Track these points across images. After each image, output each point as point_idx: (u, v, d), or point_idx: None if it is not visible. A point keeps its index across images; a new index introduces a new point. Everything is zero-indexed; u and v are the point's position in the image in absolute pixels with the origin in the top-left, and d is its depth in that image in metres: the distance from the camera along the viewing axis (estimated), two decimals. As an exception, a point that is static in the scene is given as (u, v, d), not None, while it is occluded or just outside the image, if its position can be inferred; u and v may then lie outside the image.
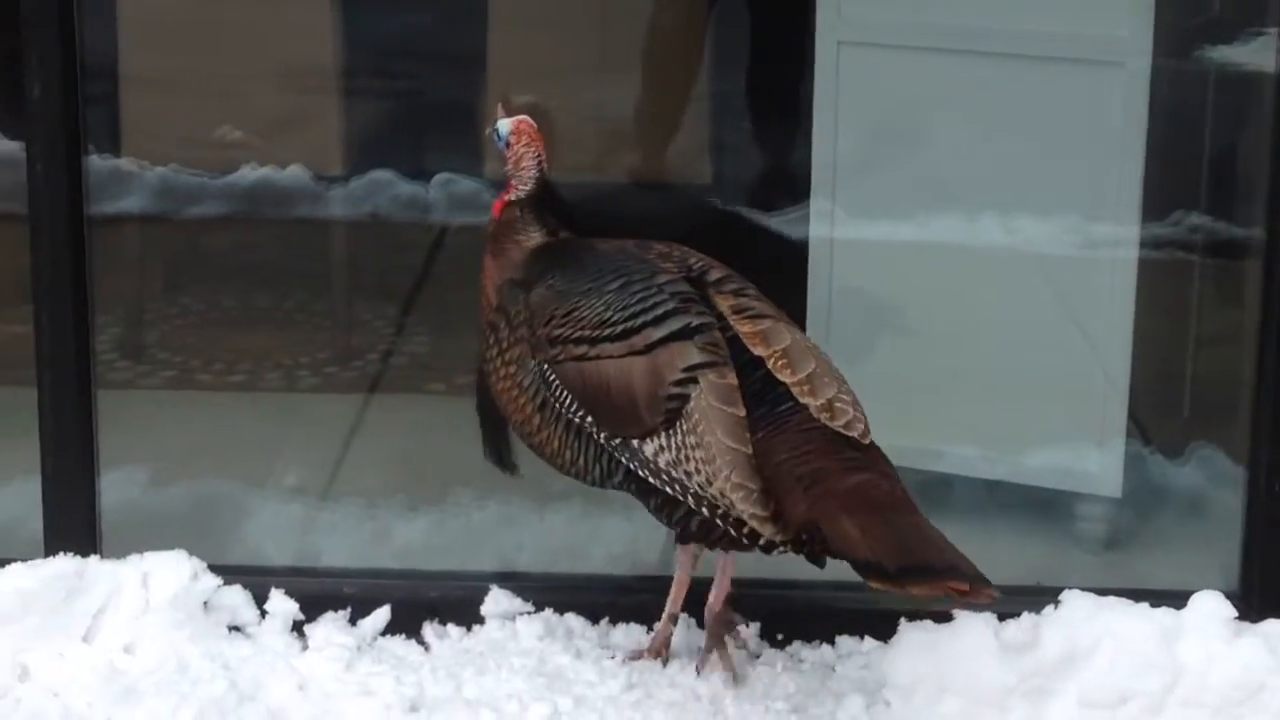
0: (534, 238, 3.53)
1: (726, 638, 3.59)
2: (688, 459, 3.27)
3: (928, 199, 4.05)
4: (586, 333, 3.35)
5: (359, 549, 4.02)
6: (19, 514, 3.93)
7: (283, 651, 3.64)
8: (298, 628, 3.71)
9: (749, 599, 3.74)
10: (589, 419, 3.35)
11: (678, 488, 3.29)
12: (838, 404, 3.27)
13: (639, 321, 3.33)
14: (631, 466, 3.33)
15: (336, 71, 5.49)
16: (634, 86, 5.12)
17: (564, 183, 5.14)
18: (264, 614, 3.71)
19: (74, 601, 3.62)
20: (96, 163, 4.50)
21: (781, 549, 3.26)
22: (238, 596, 3.71)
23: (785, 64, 4.73)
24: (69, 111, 3.67)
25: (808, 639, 3.72)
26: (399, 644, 3.70)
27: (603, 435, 3.35)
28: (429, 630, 3.72)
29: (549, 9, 5.32)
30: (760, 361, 3.30)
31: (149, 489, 4.11)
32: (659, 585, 3.77)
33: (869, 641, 3.69)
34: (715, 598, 3.55)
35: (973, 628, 3.44)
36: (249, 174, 5.33)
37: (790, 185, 4.82)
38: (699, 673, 3.55)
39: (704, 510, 3.28)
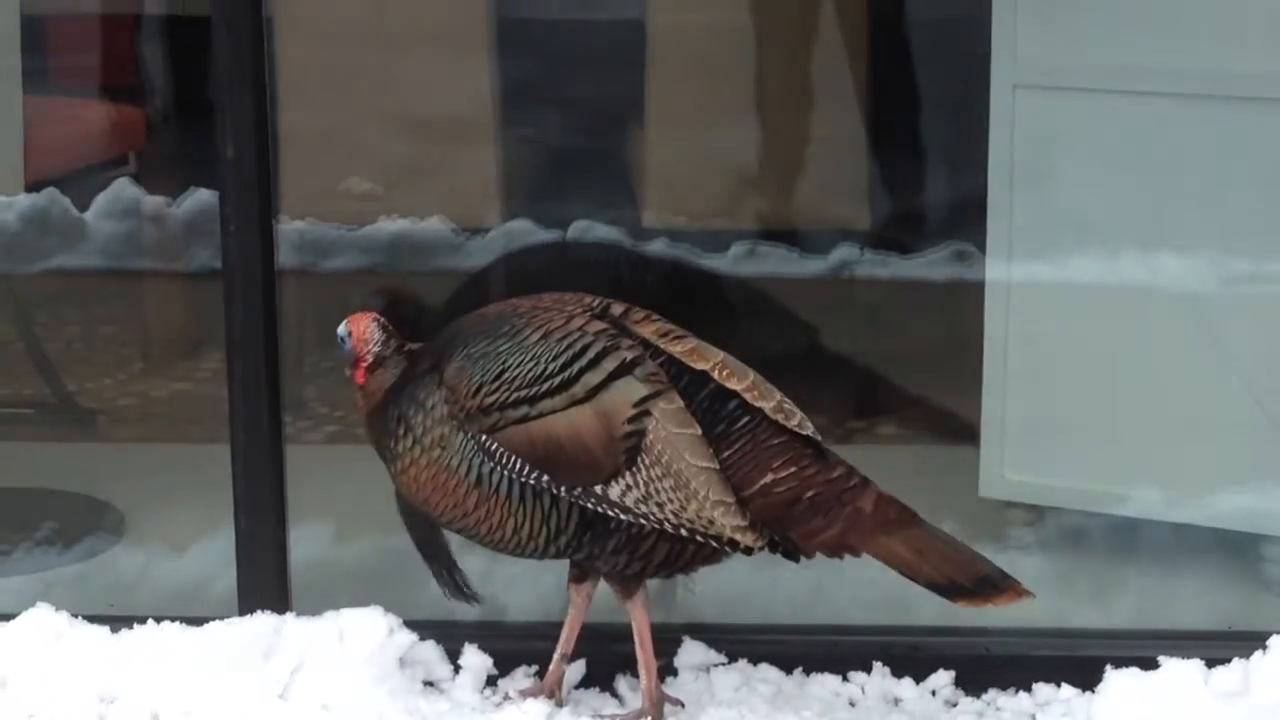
0: (397, 371, 3.47)
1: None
2: (657, 491, 3.30)
3: (1105, 243, 4.03)
4: (523, 393, 3.33)
5: (540, 602, 4.00)
6: (209, 572, 3.95)
7: (479, 706, 3.64)
8: (491, 682, 3.71)
9: (940, 647, 3.74)
10: (545, 478, 3.34)
11: (647, 522, 3.31)
12: (786, 405, 3.35)
13: (575, 369, 3.32)
14: (600, 510, 3.33)
15: (475, 122, 5.52)
16: (790, 130, 5.13)
17: (721, 228, 5.21)
18: (457, 669, 3.71)
19: (271, 659, 3.63)
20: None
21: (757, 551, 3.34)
22: (431, 652, 3.71)
23: (957, 108, 4.74)
24: (262, 171, 3.69)
25: (1003, 687, 3.70)
26: (594, 697, 3.70)
27: (562, 489, 3.33)
28: (622, 683, 3.71)
29: (684, 55, 5.34)
30: (700, 381, 3.33)
31: (332, 544, 4.12)
32: (852, 633, 3.78)
33: (1067, 689, 3.66)
34: (649, 683, 3.52)
35: (1181, 674, 3.42)
36: (388, 226, 5.35)
37: (957, 229, 4.83)
38: None
39: (681, 534, 3.32)
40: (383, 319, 3.51)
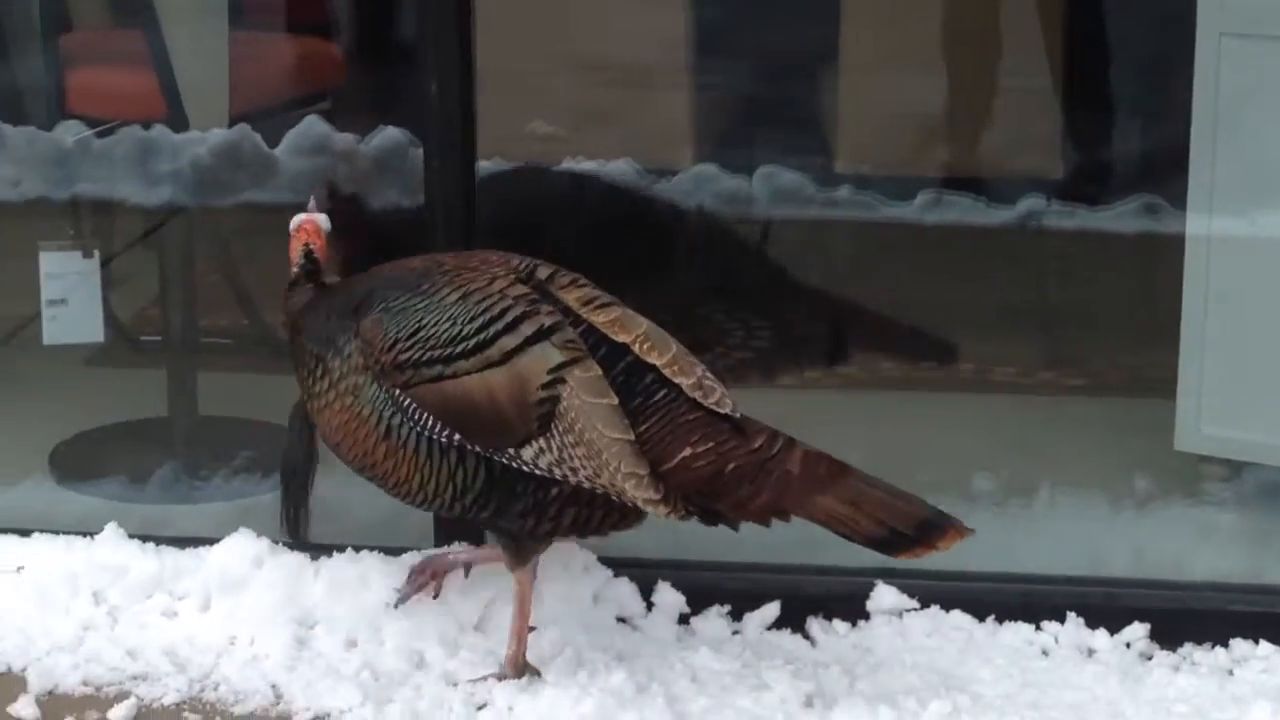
0: (305, 297, 3.52)
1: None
2: (570, 457, 3.26)
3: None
4: (438, 352, 3.31)
5: (732, 540, 4.00)
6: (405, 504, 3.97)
7: (673, 643, 3.67)
8: (684, 620, 3.73)
9: (1135, 599, 3.71)
10: (457, 436, 3.32)
11: (556, 489, 3.32)
12: (706, 381, 3.29)
13: (491, 332, 3.29)
14: (514, 465, 3.31)
15: (663, 65, 5.52)
16: (982, 79, 5.10)
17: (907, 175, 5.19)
18: (650, 606, 3.74)
19: (467, 591, 3.68)
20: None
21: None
22: (625, 589, 3.74)
23: (1152, 57, 4.68)
24: (465, 108, 3.71)
25: (1199, 641, 3.67)
26: (785, 638, 3.71)
27: (476, 448, 3.32)
28: (814, 625, 3.72)
29: (880, 2, 5.32)
30: (620, 352, 3.30)
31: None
32: (1045, 582, 3.77)
33: (1265, 645, 3.63)
34: (516, 651, 3.50)
35: (1386, 633, 3.38)
36: (574, 167, 5.35)
37: (1147, 181, 4.78)
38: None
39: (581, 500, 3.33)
40: (313, 249, 3.55)
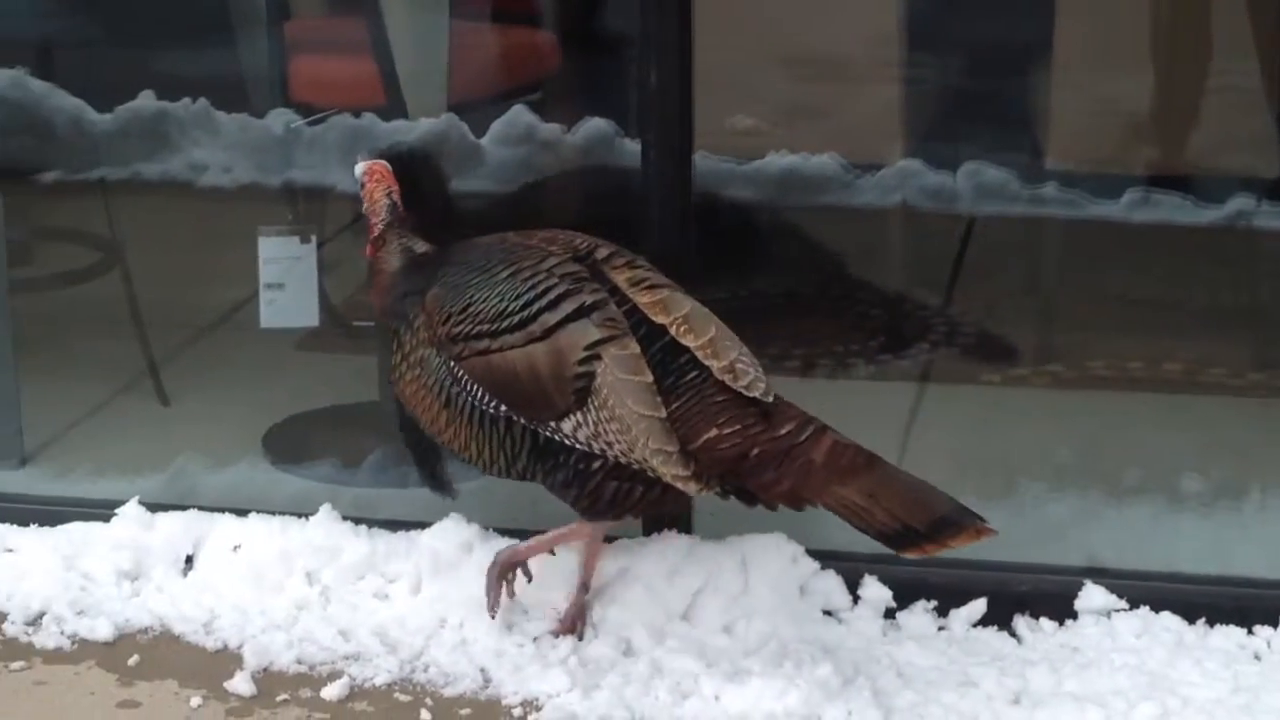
0: (395, 261, 3.60)
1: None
2: (605, 431, 3.34)
3: None
4: (486, 326, 3.42)
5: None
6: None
7: (878, 638, 3.67)
8: (889, 615, 3.73)
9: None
10: (503, 408, 3.40)
11: (598, 463, 3.38)
12: (739, 365, 3.34)
13: (535, 308, 3.39)
14: (557, 438, 3.39)
15: (870, 60, 5.53)
16: (1195, 77, 5.05)
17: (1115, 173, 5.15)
18: (856, 600, 3.74)
19: (675, 580, 3.70)
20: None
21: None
22: (831, 581, 3.74)
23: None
24: (684, 103, 3.73)
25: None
26: (991, 635, 3.70)
27: (521, 419, 3.38)
28: (1021, 623, 3.70)
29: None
30: (659, 332, 3.36)
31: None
32: (1258, 585, 3.72)
33: None
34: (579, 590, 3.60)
35: None
36: (777, 160, 5.37)
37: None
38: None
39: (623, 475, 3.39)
40: (393, 192, 3.63)
